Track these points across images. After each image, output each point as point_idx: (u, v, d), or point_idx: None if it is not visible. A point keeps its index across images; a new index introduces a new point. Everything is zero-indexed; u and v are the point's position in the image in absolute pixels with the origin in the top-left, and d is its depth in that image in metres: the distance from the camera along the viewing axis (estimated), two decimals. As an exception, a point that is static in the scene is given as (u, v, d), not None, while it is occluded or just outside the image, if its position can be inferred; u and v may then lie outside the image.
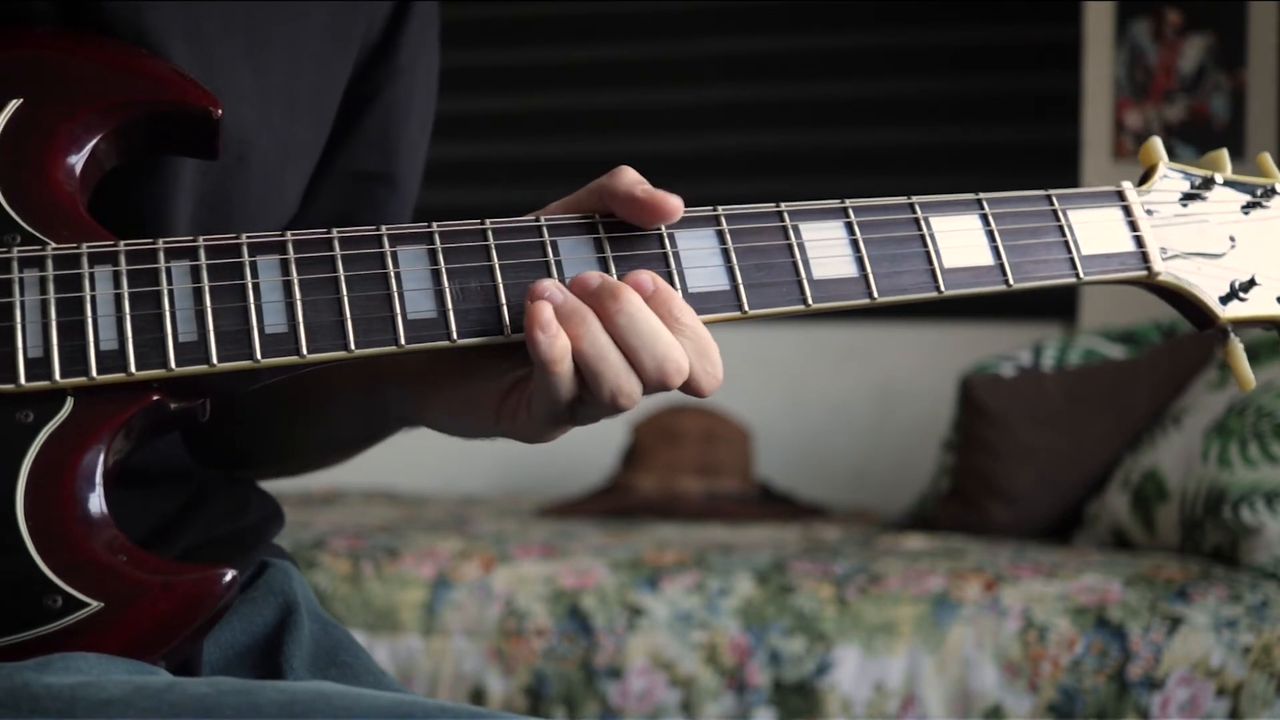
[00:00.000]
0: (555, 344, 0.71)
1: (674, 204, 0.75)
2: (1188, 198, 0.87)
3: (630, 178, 0.76)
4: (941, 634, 1.94)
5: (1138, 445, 2.42)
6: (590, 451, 3.35)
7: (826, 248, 0.79)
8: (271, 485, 1.03)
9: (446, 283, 0.75)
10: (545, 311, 0.72)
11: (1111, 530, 2.36)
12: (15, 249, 0.72)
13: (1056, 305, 3.27)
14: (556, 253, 0.76)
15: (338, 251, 0.74)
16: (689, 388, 0.74)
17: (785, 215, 0.79)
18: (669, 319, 0.73)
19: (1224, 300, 0.86)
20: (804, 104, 3.43)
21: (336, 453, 1.00)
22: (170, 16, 0.81)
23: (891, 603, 1.98)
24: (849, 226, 0.80)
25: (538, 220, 0.77)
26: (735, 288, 0.78)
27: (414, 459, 3.41)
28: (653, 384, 0.73)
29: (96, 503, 0.71)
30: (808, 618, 1.99)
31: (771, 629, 1.99)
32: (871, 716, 1.92)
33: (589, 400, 0.74)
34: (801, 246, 0.79)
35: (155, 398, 0.73)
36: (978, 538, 2.42)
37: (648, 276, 0.74)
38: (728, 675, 1.98)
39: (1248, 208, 0.87)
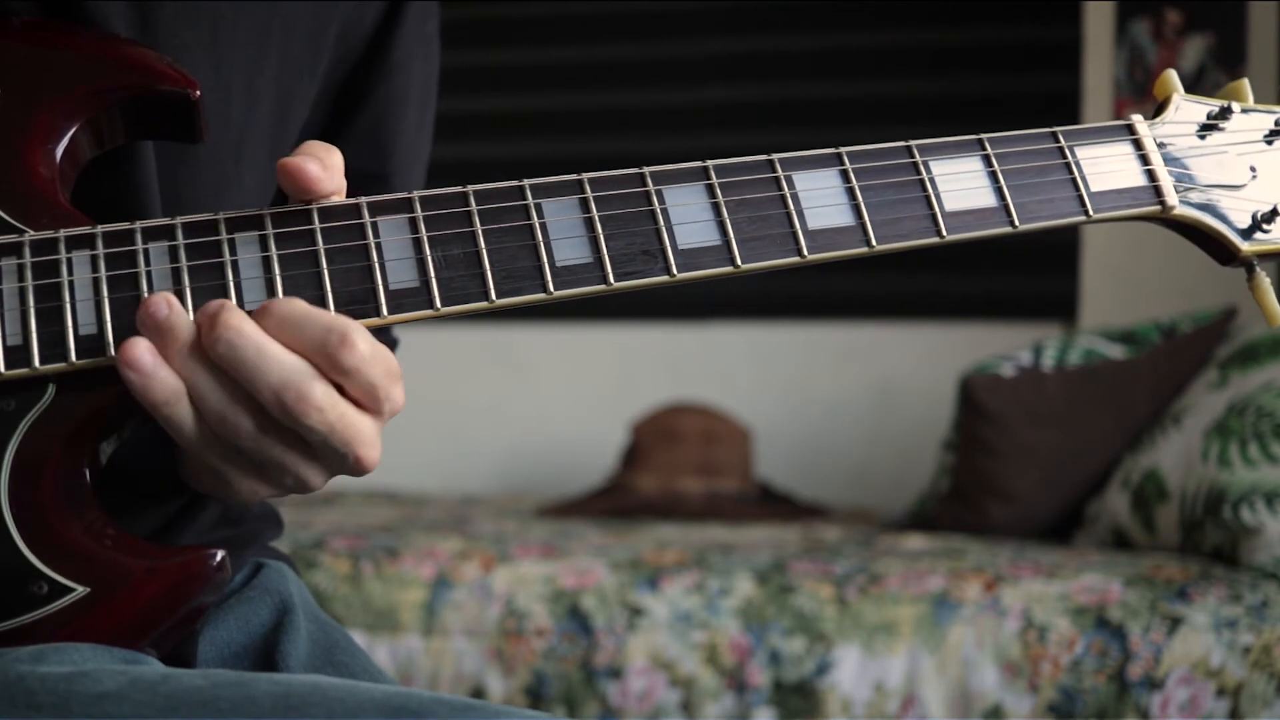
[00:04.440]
0: (153, 386, 0.68)
1: (303, 167, 0.71)
2: (1205, 129, 0.83)
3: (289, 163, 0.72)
4: (941, 634, 1.94)
5: (1138, 445, 2.42)
6: (590, 451, 3.35)
7: (821, 197, 0.77)
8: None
9: (428, 251, 0.74)
10: (137, 347, 0.68)
11: (1111, 530, 2.36)
12: None
13: (1056, 305, 3.27)
14: (541, 215, 0.75)
15: (317, 224, 0.74)
16: (347, 395, 0.68)
17: (777, 165, 0.78)
18: (278, 327, 0.68)
19: (1245, 233, 0.82)
20: (804, 104, 3.43)
21: None
22: (120, 5, 0.80)
23: (891, 603, 1.98)
24: (844, 174, 0.78)
25: (521, 183, 0.76)
26: (727, 242, 0.76)
27: (414, 459, 3.41)
28: (284, 419, 0.68)
29: (82, 488, 0.71)
30: (808, 618, 1.99)
31: (771, 629, 1.99)
32: (871, 716, 1.92)
33: (242, 449, 0.69)
34: (795, 197, 0.77)
35: None
36: (978, 538, 2.42)
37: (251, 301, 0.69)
38: (728, 675, 1.98)
39: (1271, 136, 0.84)
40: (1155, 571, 1.99)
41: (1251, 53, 3.11)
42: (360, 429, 0.69)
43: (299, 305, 0.69)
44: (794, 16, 3.45)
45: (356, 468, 0.69)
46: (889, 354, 3.36)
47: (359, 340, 0.67)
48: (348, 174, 0.94)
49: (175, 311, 0.69)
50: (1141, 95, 3.21)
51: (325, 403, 0.67)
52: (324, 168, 0.72)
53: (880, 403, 3.35)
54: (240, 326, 0.67)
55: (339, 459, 0.69)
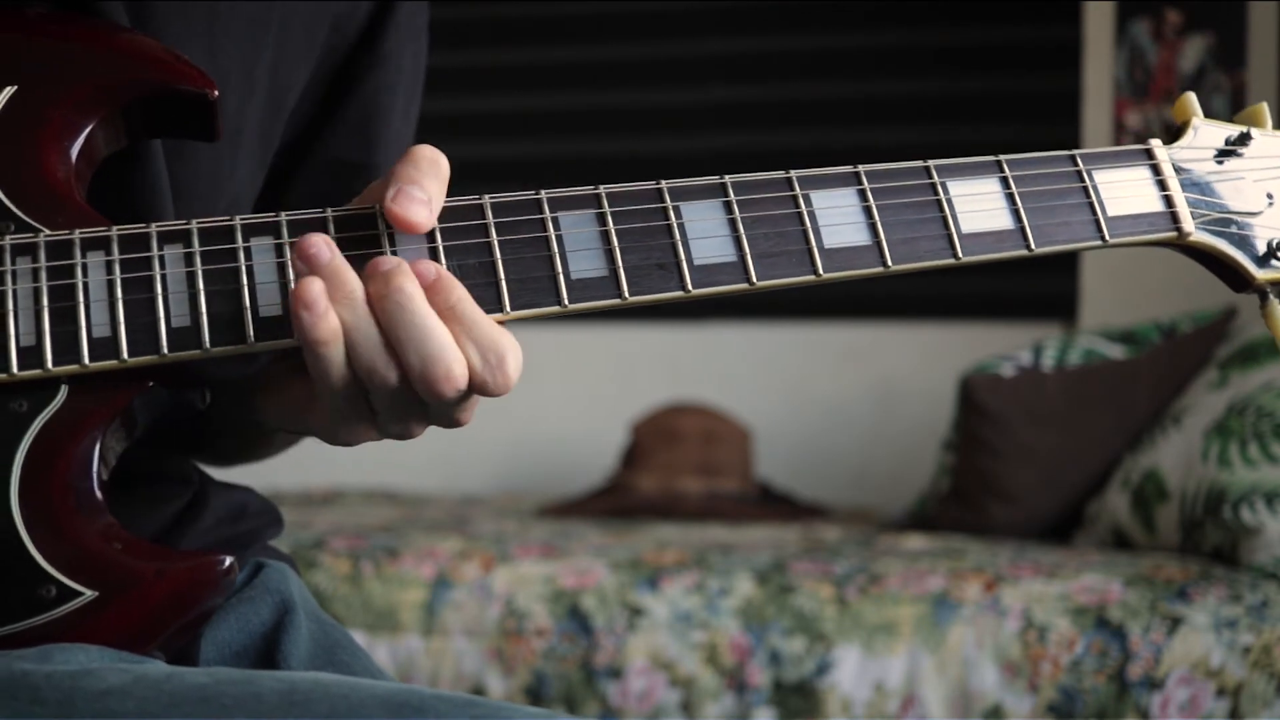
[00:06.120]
0: (320, 325, 0.69)
1: (409, 220, 0.71)
2: (1223, 154, 0.83)
3: (401, 172, 0.73)
4: (941, 634, 1.94)
5: (1138, 445, 2.42)
6: (590, 451, 3.35)
7: (838, 215, 0.77)
8: (270, 487, 1.02)
9: (444, 260, 0.73)
10: (313, 289, 0.68)
11: (1111, 530, 2.36)
12: (8, 237, 0.72)
13: (1056, 305, 3.27)
14: (558, 227, 0.75)
15: (332, 232, 0.73)
16: (474, 390, 0.71)
17: (795, 183, 0.78)
18: (446, 313, 0.70)
19: (1260, 261, 0.82)
20: (804, 104, 3.43)
21: (255, 449, 0.98)
22: (118, 3, 0.79)
23: (891, 603, 1.98)
24: (862, 193, 0.78)
25: (538, 194, 0.76)
26: (743, 258, 0.76)
27: (414, 459, 3.41)
28: (418, 384, 0.70)
29: (92, 491, 0.71)
30: (808, 618, 1.99)
31: (771, 629, 1.99)
32: (871, 716, 1.92)
33: (372, 398, 0.71)
34: (812, 215, 0.77)
35: (150, 385, 0.72)
36: (978, 538, 2.42)
37: (431, 265, 0.71)
38: (728, 675, 1.98)
39: None
40: (1155, 571, 1.99)
41: (1251, 53, 3.11)
42: (474, 401, 0.73)
43: (468, 306, 0.70)
44: (794, 16, 3.45)
45: (454, 426, 0.74)
46: (889, 354, 3.36)
47: (511, 364, 0.71)
48: (332, 163, 0.94)
49: (337, 256, 0.70)
50: (1142, 96, 3.21)
51: (462, 383, 0.70)
52: (430, 209, 0.72)
53: (880, 403, 3.35)
54: (413, 293, 0.69)
55: (446, 419, 0.73)
